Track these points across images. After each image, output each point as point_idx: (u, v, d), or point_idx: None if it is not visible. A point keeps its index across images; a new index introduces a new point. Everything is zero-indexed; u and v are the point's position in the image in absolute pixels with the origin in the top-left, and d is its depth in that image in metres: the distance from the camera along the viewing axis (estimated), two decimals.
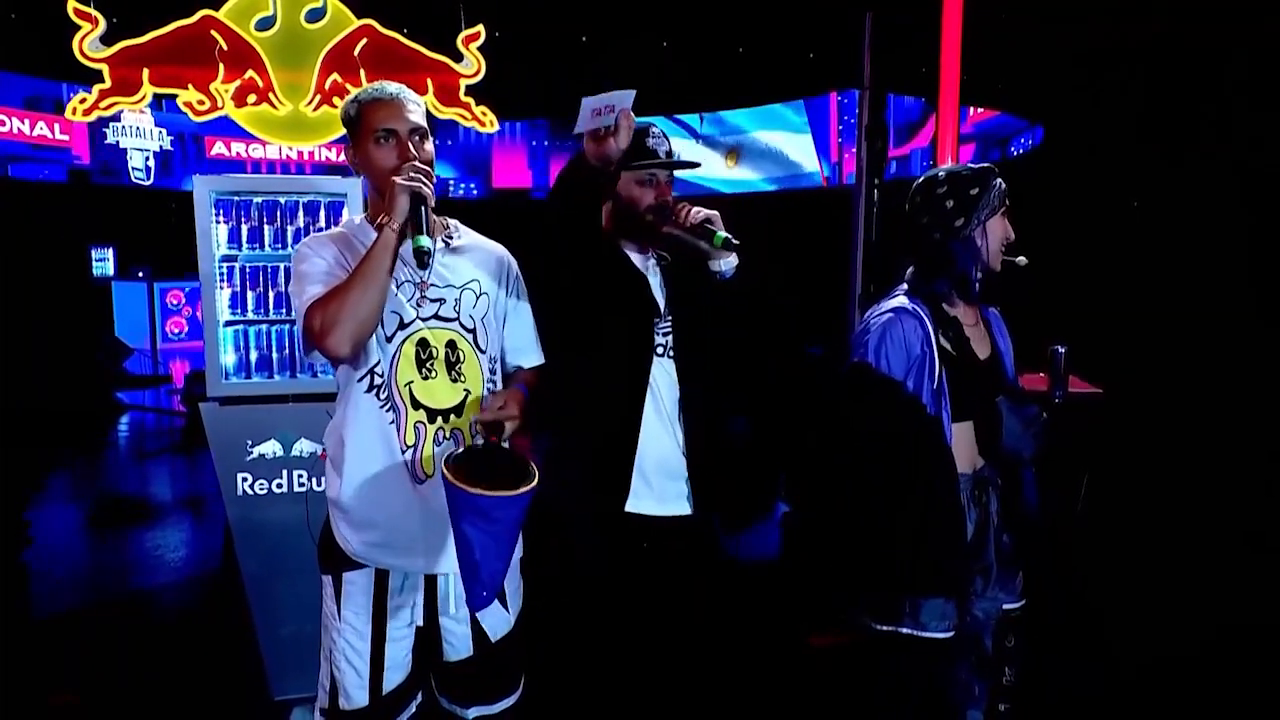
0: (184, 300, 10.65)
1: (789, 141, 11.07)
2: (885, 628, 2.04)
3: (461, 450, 2.06)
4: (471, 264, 2.19)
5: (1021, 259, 2.30)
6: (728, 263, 2.21)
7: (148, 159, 8.79)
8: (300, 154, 8.03)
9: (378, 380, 2.11)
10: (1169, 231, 6.10)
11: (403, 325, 2.09)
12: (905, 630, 2.03)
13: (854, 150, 4.36)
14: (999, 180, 1.95)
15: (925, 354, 1.96)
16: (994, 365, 2.06)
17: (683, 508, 2.37)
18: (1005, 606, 2.05)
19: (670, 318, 2.36)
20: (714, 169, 11.43)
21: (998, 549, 2.03)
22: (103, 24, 3.33)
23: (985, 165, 2.02)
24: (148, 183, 9.11)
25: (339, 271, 2.02)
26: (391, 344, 2.09)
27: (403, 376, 2.12)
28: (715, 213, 2.18)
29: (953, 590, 1.98)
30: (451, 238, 2.19)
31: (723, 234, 2.14)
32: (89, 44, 3.31)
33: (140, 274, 10.49)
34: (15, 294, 9.49)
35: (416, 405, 2.13)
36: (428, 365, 2.15)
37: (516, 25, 5.70)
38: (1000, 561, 2.03)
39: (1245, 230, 5.83)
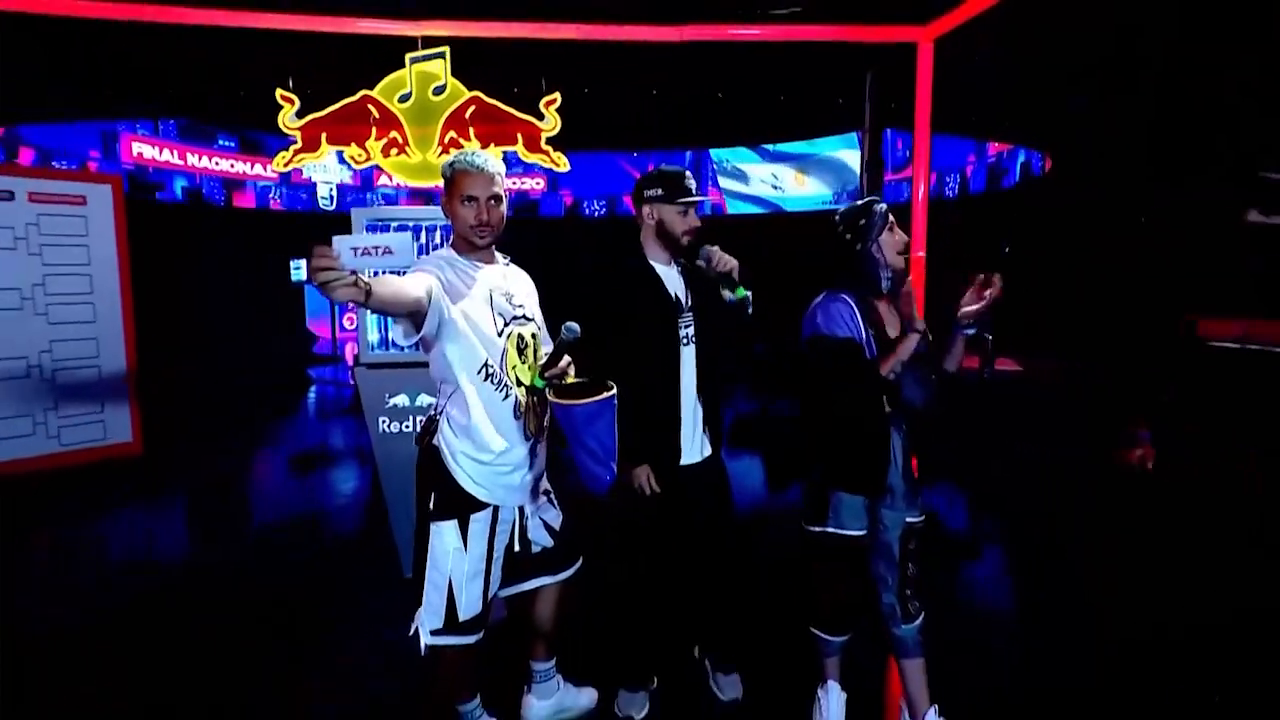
0: None
1: (851, 159, 10.66)
2: (815, 529, 2.15)
3: (557, 388, 2.21)
4: (523, 280, 2.37)
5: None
6: (734, 297, 2.35)
7: (331, 189, 9.30)
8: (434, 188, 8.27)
9: (492, 370, 2.19)
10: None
11: (506, 324, 2.20)
12: (830, 529, 2.15)
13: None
14: (880, 206, 2.10)
15: (856, 325, 2.08)
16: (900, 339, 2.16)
17: (706, 451, 2.53)
18: (908, 520, 2.14)
19: (691, 313, 2.47)
20: (787, 185, 11.23)
21: (904, 473, 2.13)
22: (297, 103, 3.76)
23: (870, 199, 2.19)
24: (331, 208, 9.74)
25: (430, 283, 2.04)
26: (501, 339, 2.19)
27: (511, 363, 2.24)
28: (737, 264, 2.31)
29: (873, 491, 2.11)
30: (507, 263, 2.31)
31: (744, 291, 2.31)
32: (288, 118, 3.73)
33: None
34: (238, 295, 10.21)
35: (519, 384, 2.23)
36: (523, 353, 2.28)
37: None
38: (906, 483, 2.13)
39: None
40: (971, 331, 2.16)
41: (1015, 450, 5.26)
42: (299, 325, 10.40)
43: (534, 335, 2.27)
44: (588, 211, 12.18)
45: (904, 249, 2.16)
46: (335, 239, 1.58)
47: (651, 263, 2.42)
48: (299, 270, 10.11)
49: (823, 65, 4.12)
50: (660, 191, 2.37)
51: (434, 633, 2.16)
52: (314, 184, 9.76)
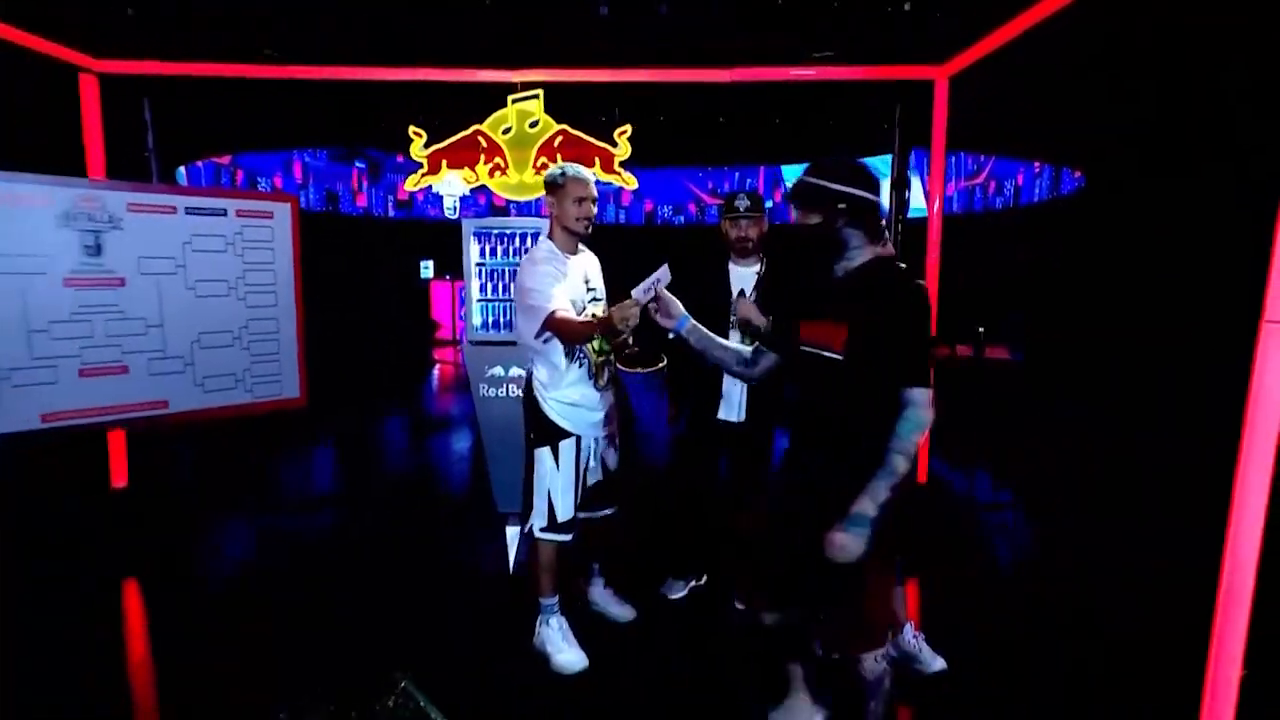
0: None
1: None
2: None
3: (624, 355, 2.61)
4: (593, 264, 2.69)
5: None
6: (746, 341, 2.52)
7: (455, 201, 9.94)
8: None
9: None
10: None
11: (583, 306, 2.53)
12: None
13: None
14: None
15: None
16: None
17: (743, 416, 2.78)
18: None
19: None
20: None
21: None
22: (425, 136, 4.30)
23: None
24: (454, 216, 10.23)
25: (560, 279, 2.43)
26: (580, 316, 2.47)
27: None
28: (749, 319, 2.45)
29: None
30: (581, 251, 2.62)
31: (750, 343, 2.45)
32: (418, 148, 4.31)
33: (447, 276, 11.14)
34: (378, 289, 10.87)
35: (591, 350, 2.58)
36: None
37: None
38: None
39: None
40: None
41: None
42: (425, 315, 11.03)
43: (603, 310, 2.57)
44: (660, 218, 13.04)
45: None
46: (634, 292, 2.07)
47: (730, 262, 2.75)
48: (427, 269, 10.92)
49: (867, 94, 4.44)
50: (722, 209, 2.76)
51: (541, 530, 2.57)
52: (440, 197, 10.59)
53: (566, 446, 2.54)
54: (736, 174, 13.31)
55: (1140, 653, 2.62)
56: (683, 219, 13.22)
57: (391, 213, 12.07)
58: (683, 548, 3.14)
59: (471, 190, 4.44)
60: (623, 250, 3.46)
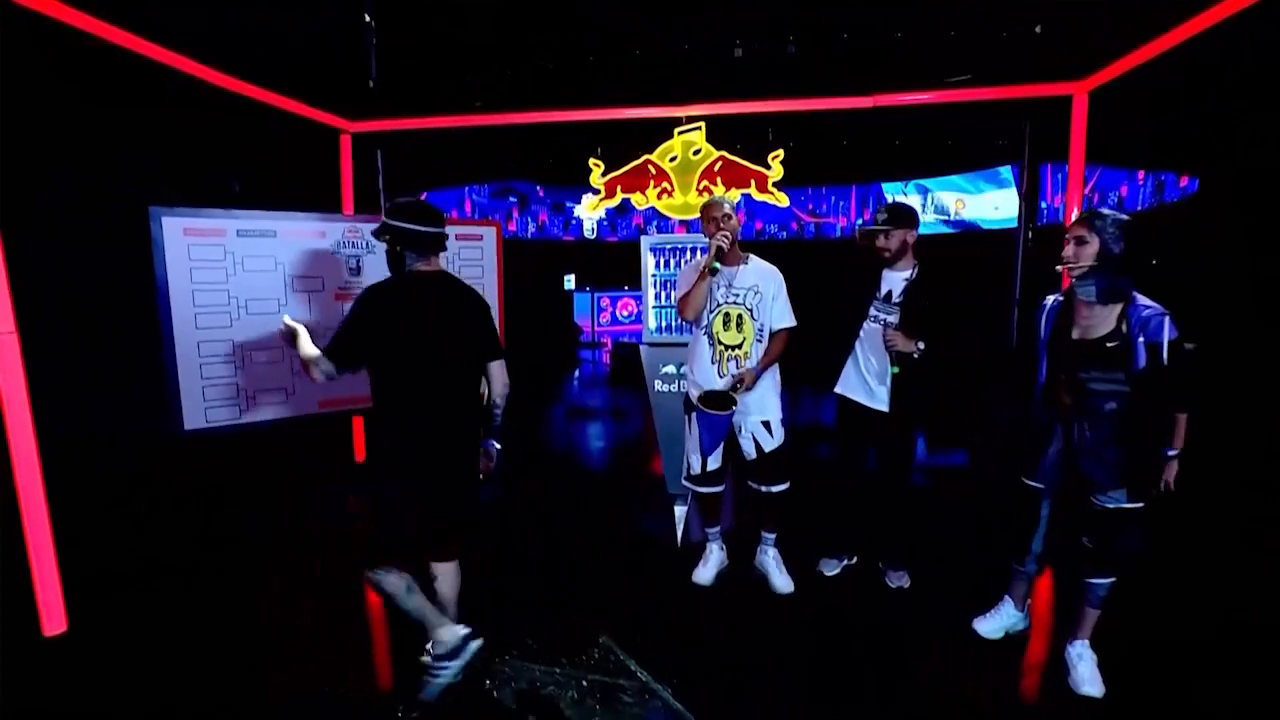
0: (610, 303, 11.58)
1: (997, 194, 10.59)
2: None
3: (706, 393, 2.81)
4: (755, 276, 2.86)
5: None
6: (892, 369, 2.74)
7: (592, 224, 10.43)
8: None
9: (707, 330, 2.84)
10: None
11: (718, 304, 2.81)
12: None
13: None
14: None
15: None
16: None
17: (881, 406, 2.84)
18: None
19: (895, 307, 2.75)
20: (951, 210, 11.16)
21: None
22: (603, 166, 4.60)
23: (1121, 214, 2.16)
24: (593, 237, 10.85)
25: (690, 277, 2.78)
26: (714, 313, 2.81)
27: (716, 328, 2.84)
28: (896, 346, 2.66)
29: None
30: (746, 263, 2.85)
31: (895, 369, 2.72)
32: (596, 178, 4.63)
33: (587, 287, 11.59)
34: (528, 299, 11.34)
35: (720, 342, 2.83)
36: (726, 323, 2.82)
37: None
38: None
39: None
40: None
41: None
42: (569, 321, 11.50)
43: (740, 314, 2.78)
44: (765, 234, 13.15)
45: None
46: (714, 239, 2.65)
47: (883, 266, 2.82)
48: (569, 281, 11.43)
49: (979, 114, 4.45)
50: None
51: (686, 479, 2.97)
52: (580, 220, 11.18)
53: (691, 419, 2.90)
54: (829, 194, 13.12)
55: None
56: (785, 234, 13.20)
57: (530, 233, 12.66)
58: (838, 528, 3.26)
59: (607, 212, 4.72)
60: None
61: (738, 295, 2.79)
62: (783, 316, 2.84)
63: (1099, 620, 2.37)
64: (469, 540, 2.44)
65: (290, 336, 2.44)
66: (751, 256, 2.87)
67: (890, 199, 11.58)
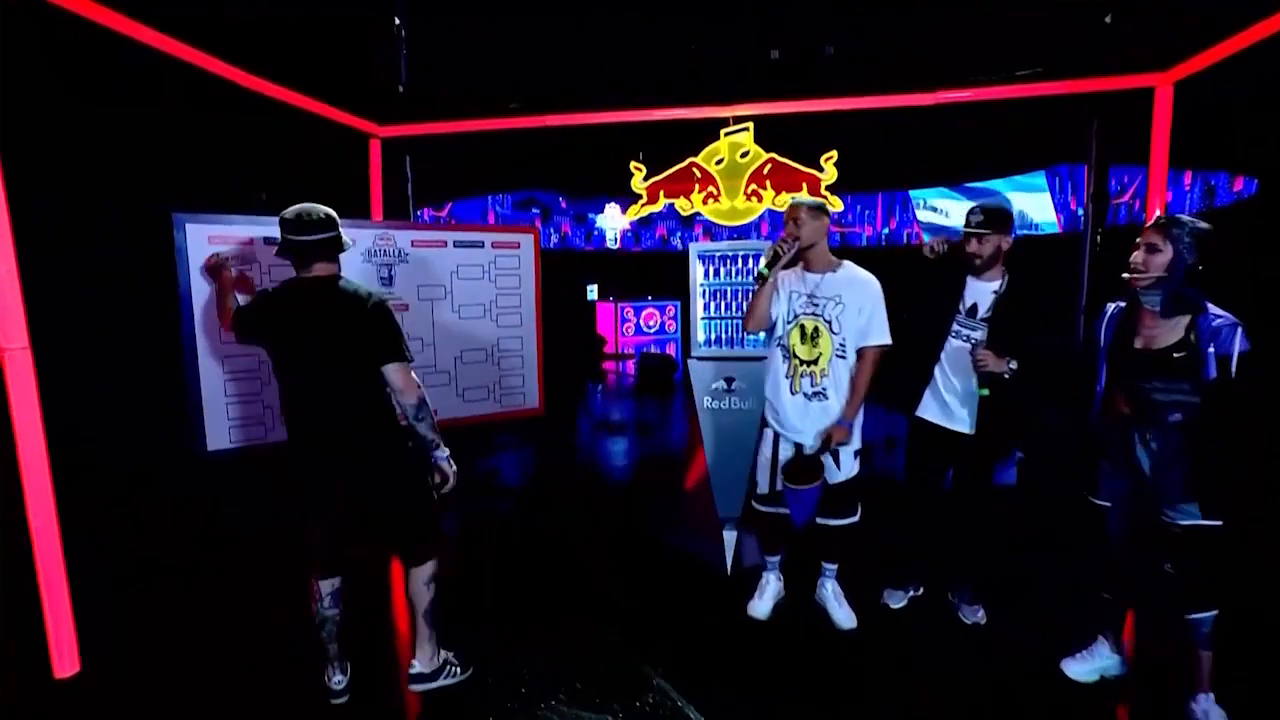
0: (633, 314, 11.28)
1: (1029, 200, 10.32)
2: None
3: (790, 463, 2.60)
4: (841, 285, 2.59)
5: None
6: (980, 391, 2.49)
7: (615, 235, 10.34)
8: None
9: (782, 343, 2.65)
10: None
11: (795, 315, 2.60)
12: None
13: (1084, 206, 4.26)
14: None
15: None
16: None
17: (963, 428, 2.60)
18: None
19: (982, 322, 2.54)
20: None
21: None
22: (645, 170, 4.37)
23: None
24: (615, 247, 10.76)
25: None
26: (791, 324, 2.61)
27: (793, 341, 2.62)
28: (986, 367, 2.42)
29: None
30: (835, 270, 2.61)
31: (985, 390, 2.46)
32: (637, 183, 4.38)
33: (610, 298, 11.36)
34: (553, 309, 11.57)
35: (794, 356, 2.62)
36: (803, 336, 2.61)
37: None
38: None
39: None
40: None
41: None
42: (591, 331, 11.37)
43: (818, 326, 2.57)
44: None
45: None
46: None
47: (968, 275, 2.59)
48: (592, 292, 11.32)
49: (1040, 111, 4.18)
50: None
51: (752, 498, 2.83)
52: (603, 231, 10.97)
53: (767, 440, 2.74)
54: (851, 200, 12.84)
55: None
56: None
57: (553, 244, 12.54)
58: (905, 558, 3.03)
59: (632, 224, 4.51)
60: None
61: (818, 306, 2.57)
62: (870, 332, 2.56)
63: (1214, 666, 2.12)
64: (415, 551, 2.34)
65: (215, 270, 2.64)
66: (846, 264, 2.63)
67: (920, 203, 11.28)
